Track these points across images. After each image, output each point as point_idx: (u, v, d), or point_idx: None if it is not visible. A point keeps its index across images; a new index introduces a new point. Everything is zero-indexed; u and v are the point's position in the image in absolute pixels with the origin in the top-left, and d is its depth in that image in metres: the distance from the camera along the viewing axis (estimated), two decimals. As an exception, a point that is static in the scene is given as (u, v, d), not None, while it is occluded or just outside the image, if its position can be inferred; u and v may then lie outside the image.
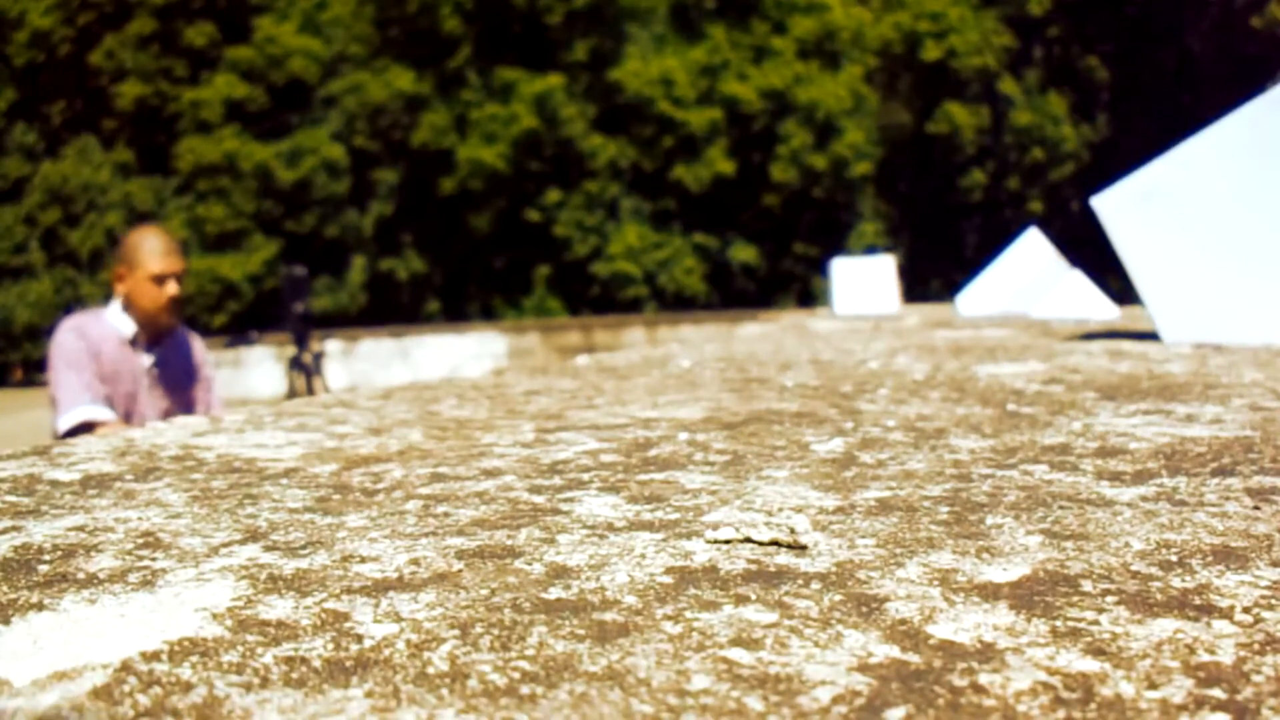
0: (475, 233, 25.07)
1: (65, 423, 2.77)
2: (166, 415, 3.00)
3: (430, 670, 0.44)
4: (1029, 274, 5.15)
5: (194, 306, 24.33)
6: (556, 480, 0.89)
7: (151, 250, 2.97)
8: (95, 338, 2.89)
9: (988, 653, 0.46)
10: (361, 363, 13.31)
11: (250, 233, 25.12)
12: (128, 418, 2.90)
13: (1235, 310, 2.45)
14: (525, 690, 0.42)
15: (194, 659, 0.46)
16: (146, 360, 2.97)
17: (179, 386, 3.07)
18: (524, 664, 0.45)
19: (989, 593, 0.55)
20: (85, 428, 2.73)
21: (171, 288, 2.95)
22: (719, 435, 1.12)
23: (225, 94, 25.51)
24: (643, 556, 0.63)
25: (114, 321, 2.92)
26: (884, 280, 6.73)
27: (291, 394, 6.70)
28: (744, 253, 25.22)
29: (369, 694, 0.42)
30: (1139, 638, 0.48)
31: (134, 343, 2.93)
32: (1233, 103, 2.47)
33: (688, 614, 0.52)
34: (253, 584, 0.59)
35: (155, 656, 0.47)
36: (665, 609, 0.53)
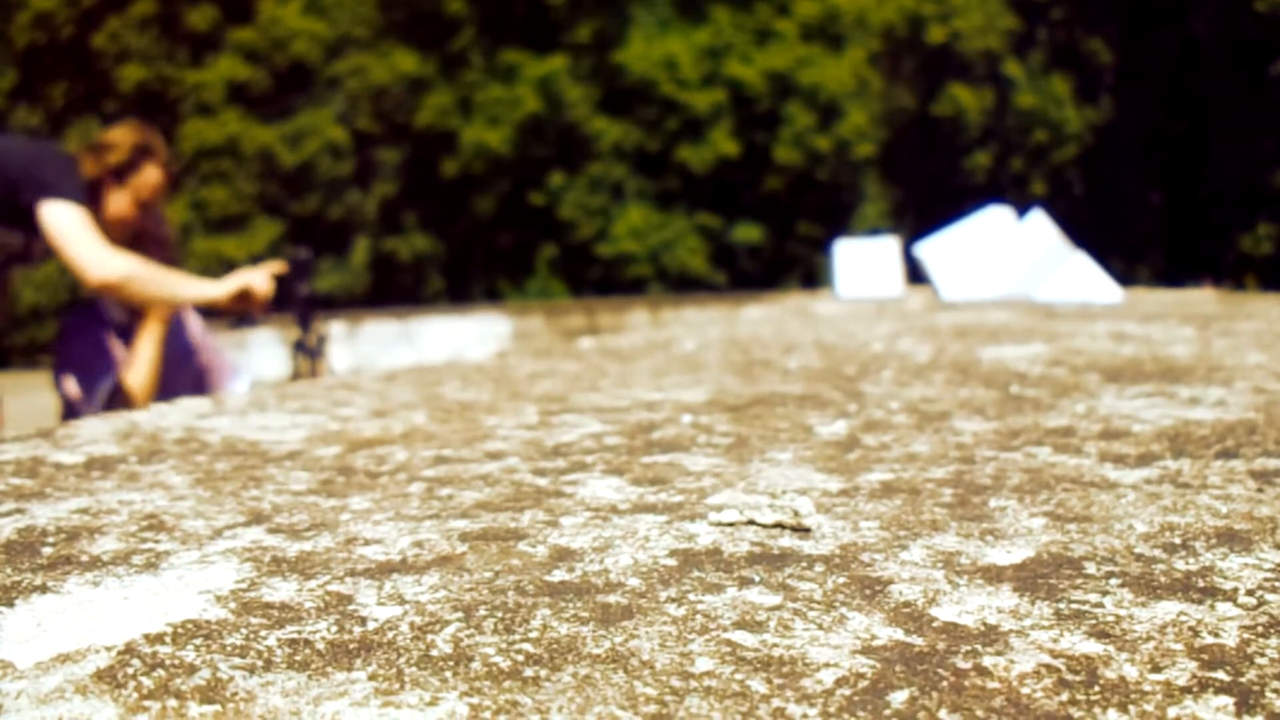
0: (479, 215, 25.05)
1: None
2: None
3: (434, 653, 0.44)
4: (1032, 257, 5.13)
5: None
6: (560, 463, 0.89)
7: None
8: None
9: (991, 635, 0.46)
10: (365, 345, 13.29)
11: (253, 215, 25.09)
12: None
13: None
14: (529, 672, 0.42)
15: (198, 641, 0.46)
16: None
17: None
18: (527, 646, 0.45)
19: (993, 575, 0.55)
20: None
21: None
22: (722, 418, 1.12)
23: (228, 76, 25.44)
24: (646, 539, 0.63)
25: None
26: (888, 262, 6.66)
27: (295, 376, 6.71)
28: (748, 233, 25.18)
29: (372, 676, 0.42)
30: (1142, 620, 0.48)
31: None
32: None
33: (691, 596, 0.52)
34: (256, 566, 0.59)
35: (159, 639, 0.47)
36: (669, 591, 0.53)
